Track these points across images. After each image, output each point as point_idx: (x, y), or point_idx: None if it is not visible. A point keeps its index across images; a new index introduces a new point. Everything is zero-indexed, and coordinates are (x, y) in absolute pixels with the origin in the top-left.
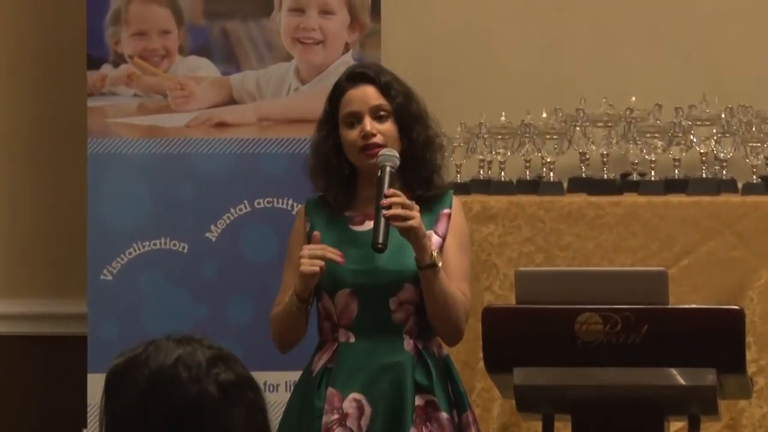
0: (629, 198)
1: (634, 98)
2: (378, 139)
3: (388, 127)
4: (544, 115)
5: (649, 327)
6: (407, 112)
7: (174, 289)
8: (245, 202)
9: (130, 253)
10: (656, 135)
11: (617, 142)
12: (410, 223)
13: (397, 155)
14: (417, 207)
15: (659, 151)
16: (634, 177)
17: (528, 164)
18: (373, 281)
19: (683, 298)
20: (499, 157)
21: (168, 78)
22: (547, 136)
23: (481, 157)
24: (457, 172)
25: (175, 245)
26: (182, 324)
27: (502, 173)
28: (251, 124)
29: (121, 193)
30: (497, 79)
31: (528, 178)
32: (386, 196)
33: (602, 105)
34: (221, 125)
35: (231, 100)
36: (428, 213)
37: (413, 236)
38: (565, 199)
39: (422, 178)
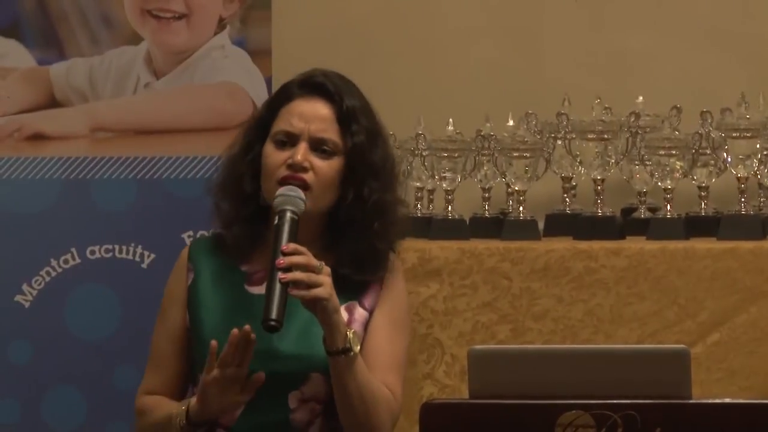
0: (635, 244)
1: (641, 98)
2: (309, 177)
3: (330, 167)
4: (511, 122)
5: (664, 430)
6: (365, 159)
7: None
8: (73, 250)
9: None
10: (674, 152)
11: (617, 163)
12: (316, 292)
13: (303, 197)
14: (327, 269)
15: (678, 175)
16: (642, 213)
17: (487, 194)
18: (269, 368)
19: (712, 388)
20: (444, 184)
21: None
22: (515, 154)
23: (418, 183)
24: None
25: None
26: None
27: (450, 208)
28: (81, 137)
29: None
30: (442, 71)
31: (487, 214)
32: (284, 254)
33: (594, 108)
34: (37, 138)
35: (51, 102)
36: (353, 279)
37: (320, 311)
38: (541, 246)
39: (356, 254)
